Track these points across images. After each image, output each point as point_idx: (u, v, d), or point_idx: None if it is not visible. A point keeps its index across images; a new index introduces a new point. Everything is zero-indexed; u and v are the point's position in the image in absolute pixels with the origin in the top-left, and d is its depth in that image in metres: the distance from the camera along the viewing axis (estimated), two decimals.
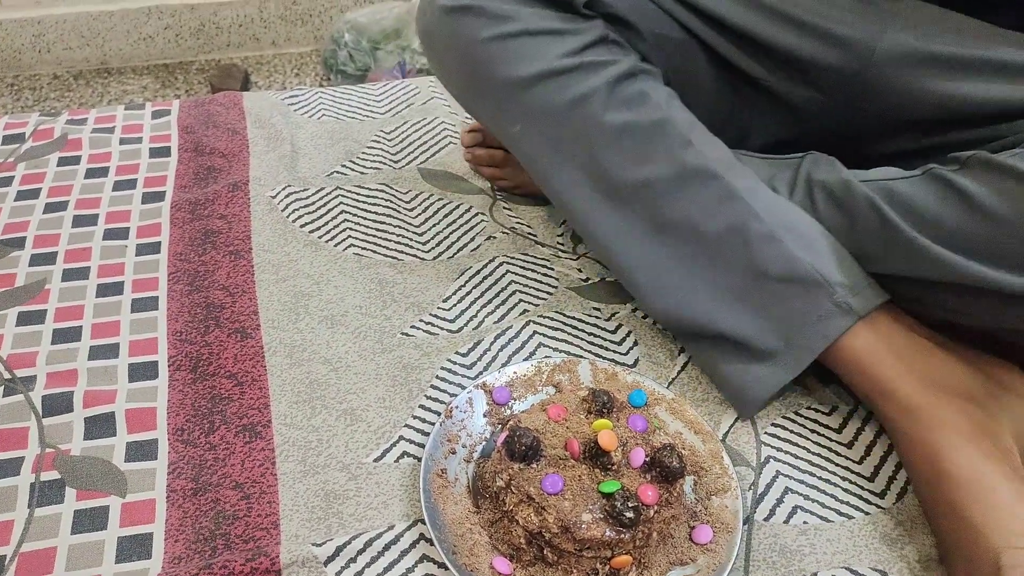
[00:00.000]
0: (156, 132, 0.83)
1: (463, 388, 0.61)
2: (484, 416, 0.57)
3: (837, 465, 0.55)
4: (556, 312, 0.67)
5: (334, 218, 0.76)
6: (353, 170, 0.82)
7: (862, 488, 0.54)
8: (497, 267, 0.71)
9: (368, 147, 0.85)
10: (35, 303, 0.65)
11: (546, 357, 0.63)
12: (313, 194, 0.78)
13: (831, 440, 0.57)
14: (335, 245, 0.73)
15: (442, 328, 0.66)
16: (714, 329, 0.58)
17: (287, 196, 0.77)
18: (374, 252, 0.73)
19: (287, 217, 0.75)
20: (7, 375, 0.59)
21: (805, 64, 0.63)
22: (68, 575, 0.48)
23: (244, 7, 1.85)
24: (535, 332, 0.65)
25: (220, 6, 1.84)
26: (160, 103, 0.87)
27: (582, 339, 0.65)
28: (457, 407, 0.56)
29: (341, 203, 0.77)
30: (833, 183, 0.58)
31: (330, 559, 0.49)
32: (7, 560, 0.49)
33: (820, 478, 0.54)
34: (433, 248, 0.73)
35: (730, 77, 0.67)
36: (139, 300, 0.66)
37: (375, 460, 0.56)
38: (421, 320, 0.66)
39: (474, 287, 0.70)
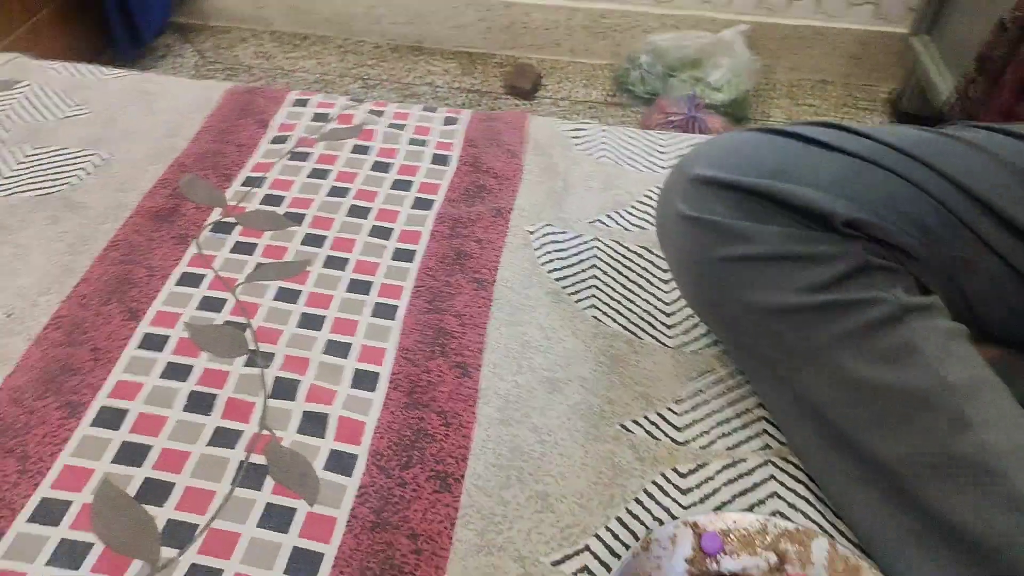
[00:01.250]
0: (442, 139, 0.84)
1: (670, 516, 0.53)
2: (686, 561, 0.49)
3: None
4: None
5: (584, 270, 0.71)
6: (617, 223, 0.77)
7: None
8: (746, 380, 0.62)
9: (639, 200, 0.79)
10: (294, 281, 0.68)
11: (777, 514, 0.53)
12: (570, 239, 0.74)
13: None
14: (576, 300, 0.69)
15: (666, 434, 0.59)
16: None
17: (544, 235, 0.74)
18: (615, 320, 0.67)
19: (538, 257, 0.72)
20: (252, 346, 0.63)
21: None
22: (241, 568, 0.49)
23: (554, 12, 1.89)
24: (772, 476, 0.56)
25: (533, 7, 1.89)
26: (452, 110, 0.88)
27: (827, 507, 0.54)
28: (657, 540, 0.49)
29: (595, 256, 0.73)
30: None
31: None
32: (198, 531, 0.51)
33: None
34: (679, 335, 0.66)
35: None
36: (381, 306, 0.67)
37: (553, 563, 0.51)
38: (646, 416, 0.60)
39: (714, 396, 0.61)
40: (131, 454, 0.54)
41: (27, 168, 0.78)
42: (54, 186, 0.76)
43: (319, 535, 0.51)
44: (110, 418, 0.56)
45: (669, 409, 0.60)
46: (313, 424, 0.58)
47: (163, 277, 0.67)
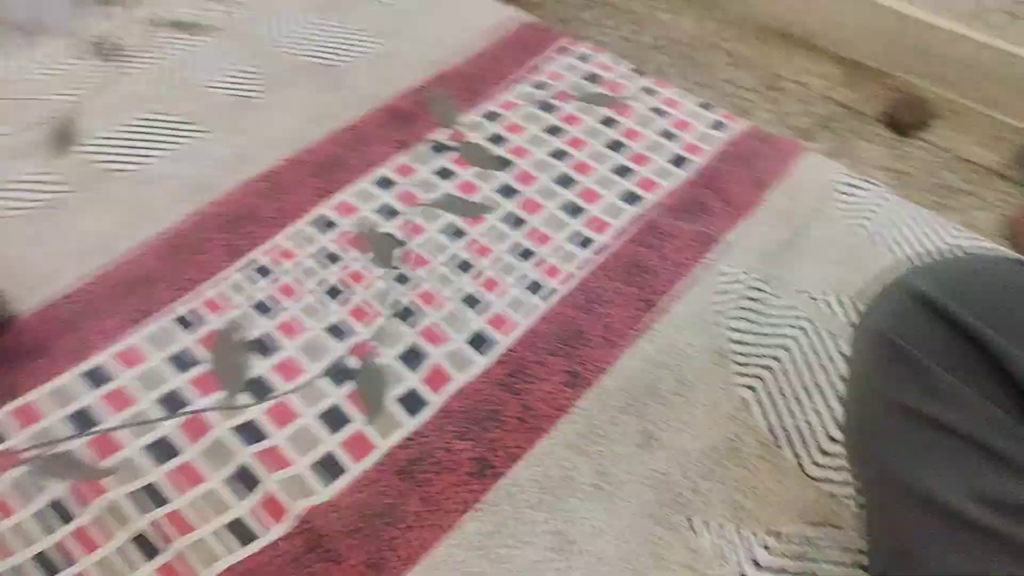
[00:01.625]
0: (696, 141, 0.77)
1: None
2: None
3: None
4: None
5: (768, 346, 0.62)
6: (832, 309, 0.64)
7: None
8: (864, 552, 0.50)
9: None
10: (467, 222, 0.69)
11: None
12: (780, 305, 0.64)
13: None
14: (737, 372, 0.60)
15: (740, 564, 0.50)
16: None
17: (736, 283, 0.65)
18: (764, 415, 0.58)
19: (713, 304, 0.64)
20: (396, 263, 0.66)
21: None
22: (283, 442, 0.55)
23: (977, 48, 1.56)
24: None
25: (956, 38, 1.59)
26: (728, 115, 0.80)
27: None
28: None
29: (794, 338, 0.62)
30: None
31: None
32: (275, 395, 0.57)
33: None
34: (827, 468, 0.55)
35: None
36: (533, 282, 0.65)
37: None
38: (722, 527, 0.51)
39: (823, 547, 0.51)
40: (265, 308, 0.62)
41: (315, 34, 0.87)
42: (332, 60, 0.84)
43: (354, 452, 0.55)
44: (256, 273, 0.65)
45: (755, 534, 0.51)
46: (413, 357, 0.60)
47: (367, 170, 0.73)
